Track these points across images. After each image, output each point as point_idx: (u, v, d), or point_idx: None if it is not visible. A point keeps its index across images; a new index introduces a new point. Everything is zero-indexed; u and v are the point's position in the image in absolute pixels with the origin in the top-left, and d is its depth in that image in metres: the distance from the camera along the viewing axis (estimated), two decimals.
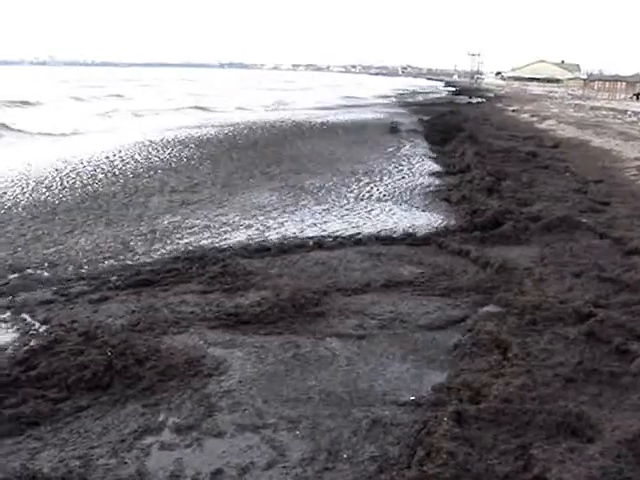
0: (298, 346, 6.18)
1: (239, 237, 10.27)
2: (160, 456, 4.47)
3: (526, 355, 5.80)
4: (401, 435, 4.68)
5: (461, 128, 26.25)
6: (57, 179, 15.22)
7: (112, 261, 8.90)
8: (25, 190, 13.87)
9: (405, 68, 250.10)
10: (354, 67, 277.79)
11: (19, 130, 26.18)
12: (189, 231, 10.63)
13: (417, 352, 6.15)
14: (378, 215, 12.08)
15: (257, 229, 10.82)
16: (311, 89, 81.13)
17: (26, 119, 30.15)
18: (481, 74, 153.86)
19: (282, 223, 11.30)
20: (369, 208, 12.66)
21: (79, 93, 55.02)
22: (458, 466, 4.08)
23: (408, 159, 19.72)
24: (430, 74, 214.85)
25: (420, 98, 64.39)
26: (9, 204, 12.47)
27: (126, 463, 4.36)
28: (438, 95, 73.79)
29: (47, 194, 13.53)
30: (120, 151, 20.02)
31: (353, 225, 11.23)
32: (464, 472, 4.07)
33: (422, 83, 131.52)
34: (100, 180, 15.32)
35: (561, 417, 4.67)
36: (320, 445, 4.58)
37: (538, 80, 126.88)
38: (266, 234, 10.48)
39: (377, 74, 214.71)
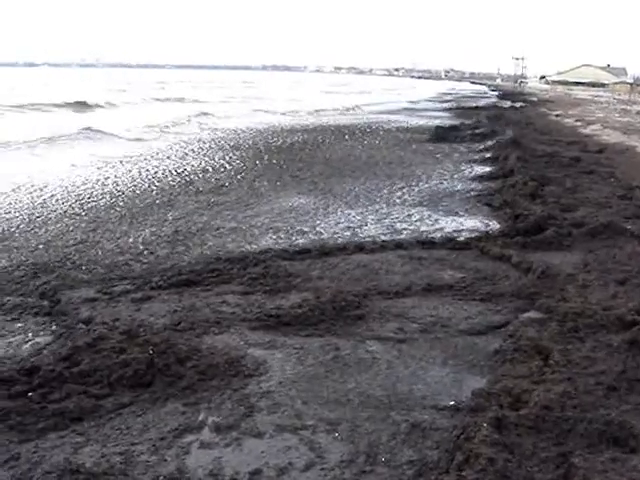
0: (338, 348, 6.18)
1: (275, 240, 10.36)
2: (200, 455, 4.51)
3: (567, 362, 5.72)
4: (440, 440, 4.65)
5: (504, 132, 26.01)
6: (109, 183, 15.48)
7: (153, 261, 9.04)
8: (69, 191, 14.18)
9: (448, 72, 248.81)
10: (397, 70, 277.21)
11: (111, 134, 26.67)
12: (228, 233, 10.75)
13: (457, 357, 6.11)
14: (418, 219, 12.02)
15: (288, 232, 10.89)
16: (369, 92, 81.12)
17: (107, 121, 30.89)
18: (525, 78, 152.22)
19: (314, 226, 11.33)
20: (409, 212, 12.60)
21: (145, 95, 56.22)
22: (497, 472, 4.05)
23: (449, 163, 19.59)
24: (473, 78, 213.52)
25: (464, 102, 63.91)
26: (55, 204, 12.75)
27: (166, 460, 4.41)
28: (481, 99, 73.18)
29: (87, 196, 13.79)
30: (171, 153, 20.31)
31: (393, 229, 11.22)
32: (503, 478, 4.03)
33: (465, 87, 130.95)
34: (139, 183, 15.56)
35: (603, 426, 4.60)
36: (359, 448, 4.58)
37: (583, 84, 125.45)
38: (302, 237, 10.55)
39: (420, 77, 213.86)
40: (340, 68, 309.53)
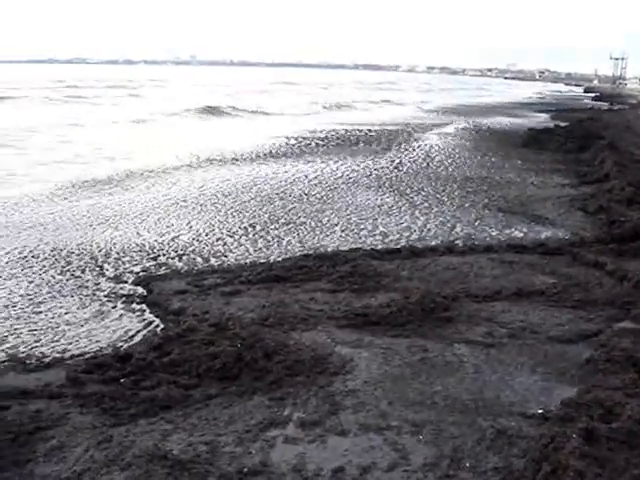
0: (425, 350, 6.15)
1: (364, 239, 10.41)
2: (284, 449, 4.55)
3: None
4: (526, 448, 4.56)
5: (600, 135, 25.24)
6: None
7: (243, 256, 9.21)
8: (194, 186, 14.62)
9: (542, 72, 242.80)
10: (490, 71, 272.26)
11: None
12: (320, 230, 10.86)
13: (547, 364, 5.98)
14: (510, 223, 11.83)
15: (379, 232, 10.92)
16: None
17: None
18: (624, 79, 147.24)
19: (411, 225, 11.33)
20: (499, 216, 12.43)
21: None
22: None
23: (542, 166, 19.16)
24: (569, 79, 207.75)
25: (558, 103, 62.49)
26: (154, 196, 13.16)
27: (251, 453, 4.47)
28: (577, 100, 71.45)
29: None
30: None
31: (483, 231, 11.10)
32: None
33: (561, 88, 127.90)
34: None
35: None
36: (443, 451, 4.53)
37: None
38: (390, 237, 10.57)
39: (513, 78, 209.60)
40: (433, 68, 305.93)
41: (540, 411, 5.10)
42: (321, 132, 27.23)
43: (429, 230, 11.08)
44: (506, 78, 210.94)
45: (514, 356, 6.12)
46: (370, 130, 28.42)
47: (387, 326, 6.65)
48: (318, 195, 13.85)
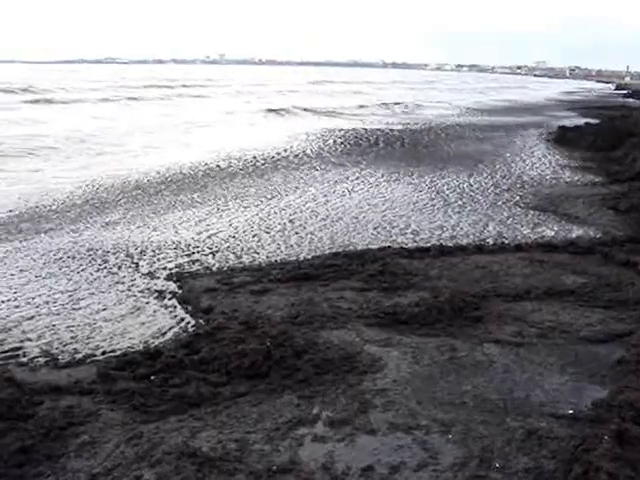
0: (455, 349, 6.12)
1: (394, 236, 10.40)
2: (313, 447, 4.56)
3: None
4: (557, 449, 4.52)
5: (632, 133, 24.88)
6: None
7: (275, 253, 9.26)
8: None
9: (573, 70, 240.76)
10: (519, 68, 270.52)
11: None
12: (353, 227, 10.89)
13: (577, 364, 5.92)
14: (541, 221, 11.76)
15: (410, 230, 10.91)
16: None
17: None
18: None
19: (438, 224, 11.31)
20: (529, 214, 12.34)
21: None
22: None
23: (572, 165, 19.00)
24: (600, 76, 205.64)
25: (589, 100, 61.88)
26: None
27: (279, 451, 4.48)
28: (608, 97, 70.71)
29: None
30: None
31: (515, 230, 11.03)
32: None
33: (592, 86, 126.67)
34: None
35: None
36: (472, 451, 4.51)
37: None
38: (421, 235, 10.56)
39: (543, 76, 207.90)
40: (462, 66, 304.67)
41: (571, 412, 5.05)
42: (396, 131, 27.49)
43: (461, 229, 11.05)
44: (535, 75, 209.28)
45: (544, 356, 6.07)
46: (424, 130, 28.65)
47: (416, 325, 6.64)
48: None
